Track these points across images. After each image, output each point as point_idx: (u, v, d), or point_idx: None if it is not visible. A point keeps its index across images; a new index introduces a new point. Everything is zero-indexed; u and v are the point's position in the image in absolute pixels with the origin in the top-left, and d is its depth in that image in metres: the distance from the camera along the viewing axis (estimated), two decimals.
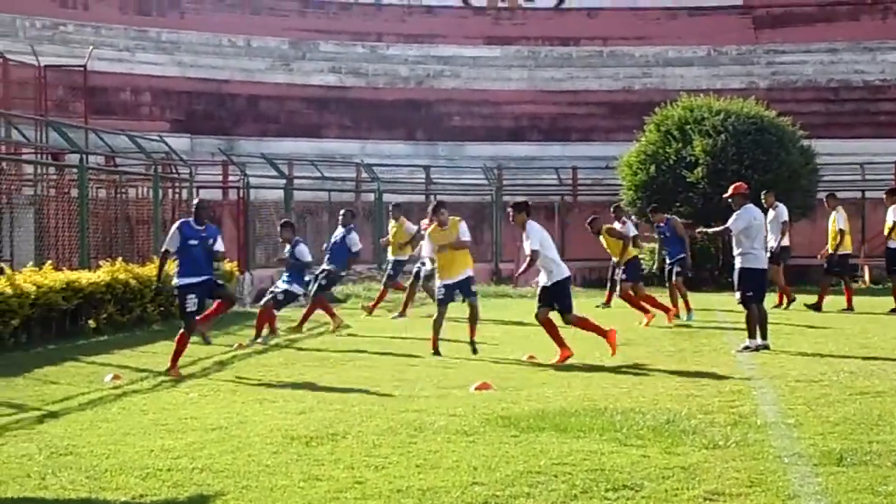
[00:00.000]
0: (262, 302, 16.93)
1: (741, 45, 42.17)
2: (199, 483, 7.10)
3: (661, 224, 19.14)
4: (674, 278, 18.58)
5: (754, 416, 9.13)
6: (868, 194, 29.77)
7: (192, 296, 12.59)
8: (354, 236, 18.56)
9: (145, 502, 6.71)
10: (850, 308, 19.50)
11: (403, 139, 38.22)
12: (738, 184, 14.85)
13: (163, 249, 13.24)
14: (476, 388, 10.77)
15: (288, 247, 16.70)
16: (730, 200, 14.31)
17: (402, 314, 19.42)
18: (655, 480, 6.96)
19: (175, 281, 12.82)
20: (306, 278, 17.17)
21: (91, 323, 16.64)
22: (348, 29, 42.26)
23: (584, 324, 13.43)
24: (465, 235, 14.03)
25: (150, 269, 18.24)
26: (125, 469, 7.46)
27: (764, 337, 13.77)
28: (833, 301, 19.78)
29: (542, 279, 13.38)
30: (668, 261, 18.93)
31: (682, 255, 18.76)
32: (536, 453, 7.75)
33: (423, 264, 17.96)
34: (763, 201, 19.74)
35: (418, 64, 41.54)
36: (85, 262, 18.24)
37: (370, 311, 20.17)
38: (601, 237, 18.55)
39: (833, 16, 42.43)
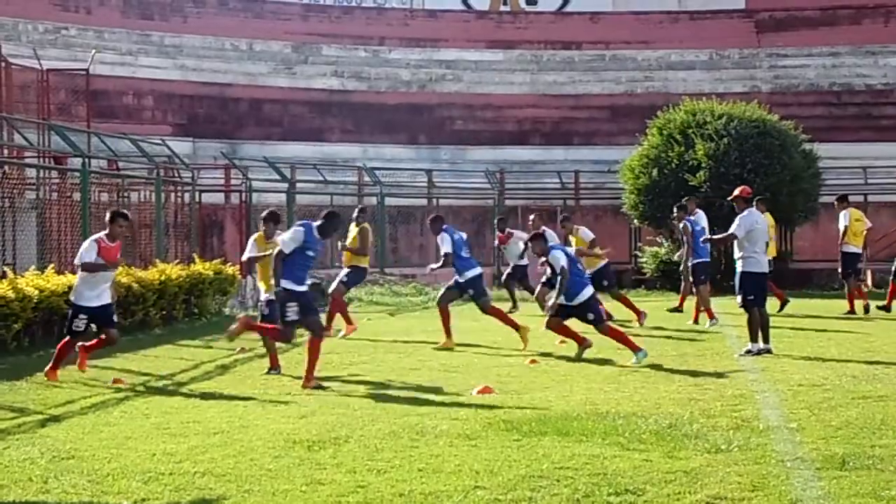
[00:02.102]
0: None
1: (743, 49, 42.19)
2: (201, 487, 7.10)
3: (692, 217, 18.69)
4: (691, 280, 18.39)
5: (756, 420, 9.12)
6: (871, 198, 29.81)
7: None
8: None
9: None
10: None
11: (406, 143, 38.21)
12: (742, 187, 14.91)
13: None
14: (478, 393, 10.77)
15: None
16: (733, 204, 14.37)
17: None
18: (658, 485, 6.95)
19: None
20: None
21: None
22: (350, 33, 42.32)
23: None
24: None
25: (152, 273, 18.26)
26: (127, 473, 7.46)
27: (766, 341, 13.76)
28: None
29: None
30: (693, 262, 18.40)
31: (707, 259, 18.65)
32: (538, 457, 7.75)
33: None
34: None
35: (420, 68, 41.57)
36: None
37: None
38: None
39: (835, 20, 42.46)
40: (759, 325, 13.75)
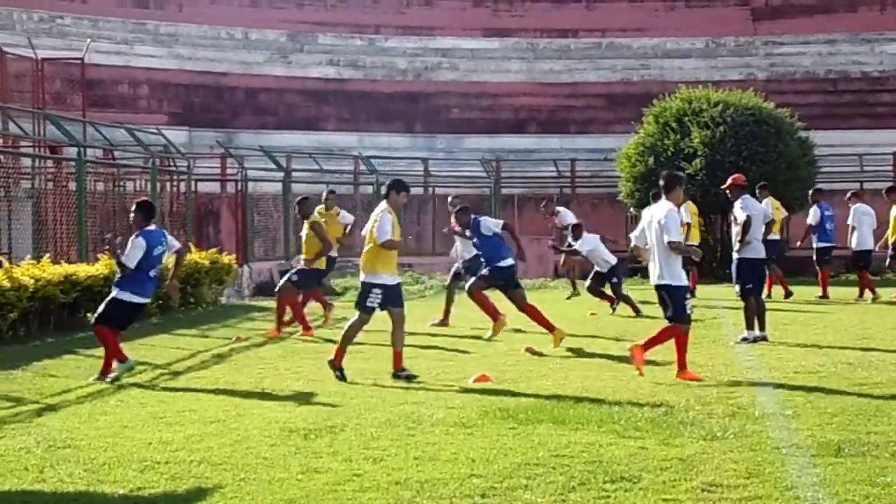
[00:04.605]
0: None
1: (739, 37, 42.14)
2: (198, 476, 7.10)
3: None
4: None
5: (752, 407, 9.13)
6: (866, 185, 29.77)
7: None
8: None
9: (143, 495, 6.70)
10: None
11: (401, 132, 38.19)
12: (735, 175, 14.91)
13: None
14: (474, 381, 10.77)
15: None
16: (727, 192, 14.38)
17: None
18: (653, 472, 6.96)
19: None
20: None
21: (89, 316, 16.56)
22: (346, 21, 42.24)
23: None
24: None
25: None
26: (123, 462, 7.46)
27: (762, 328, 13.77)
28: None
29: None
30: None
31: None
32: (534, 445, 7.76)
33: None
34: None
35: (416, 56, 41.51)
36: (83, 255, 18.23)
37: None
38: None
39: (831, 7, 42.40)
40: (755, 313, 13.76)
